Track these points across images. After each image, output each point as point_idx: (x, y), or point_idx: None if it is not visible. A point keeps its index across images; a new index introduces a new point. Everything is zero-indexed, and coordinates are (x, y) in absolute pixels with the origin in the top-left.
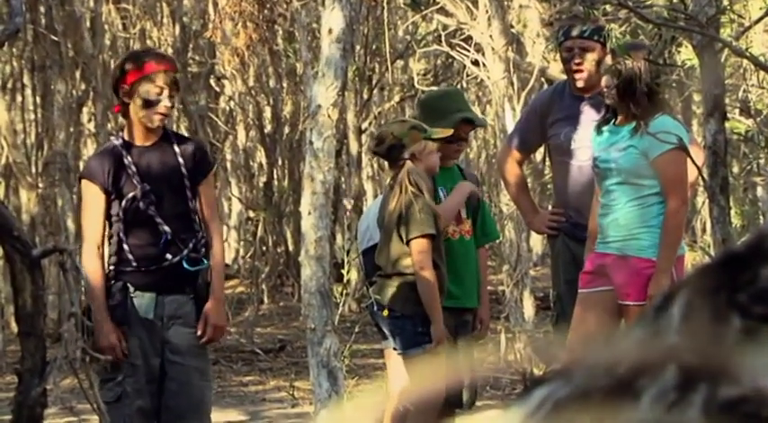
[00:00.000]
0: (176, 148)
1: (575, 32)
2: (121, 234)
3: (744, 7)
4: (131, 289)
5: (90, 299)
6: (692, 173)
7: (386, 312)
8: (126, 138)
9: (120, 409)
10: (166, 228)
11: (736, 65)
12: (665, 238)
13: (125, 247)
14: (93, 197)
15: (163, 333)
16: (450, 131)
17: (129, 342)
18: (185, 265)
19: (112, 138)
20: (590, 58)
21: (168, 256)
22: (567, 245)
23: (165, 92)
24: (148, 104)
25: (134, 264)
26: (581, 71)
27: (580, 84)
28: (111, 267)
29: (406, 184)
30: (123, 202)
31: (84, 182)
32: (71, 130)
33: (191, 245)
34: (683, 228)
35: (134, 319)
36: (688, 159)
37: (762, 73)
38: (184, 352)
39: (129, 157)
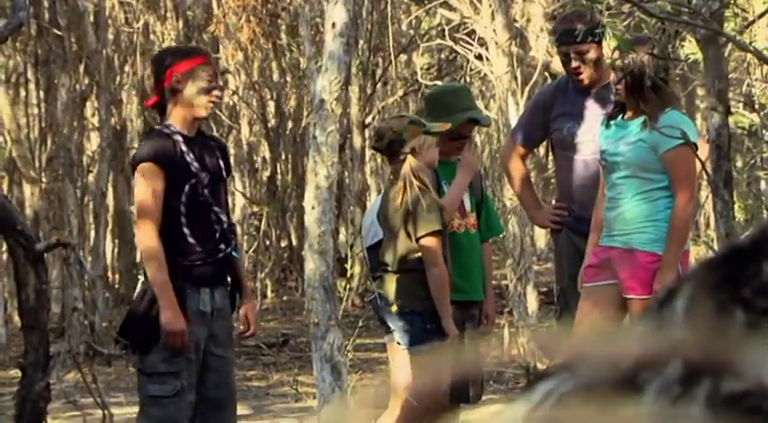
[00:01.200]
0: (211, 142)
1: (568, 37)
2: (184, 225)
3: (747, 1)
4: (189, 282)
5: (155, 283)
6: (701, 151)
7: (394, 308)
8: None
9: (178, 404)
10: (223, 217)
11: (739, 59)
12: (672, 233)
13: (189, 238)
14: (155, 180)
15: (211, 326)
16: (447, 126)
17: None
18: (234, 255)
19: (159, 127)
20: (587, 60)
21: (222, 246)
22: (571, 239)
23: (214, 81)
24: (203, 91)
25: (194, 255)
26: (580, 73)
27: (582, 83)
28: (169, 258)
29: (411, 180)
30: (186, 190)
31: (146, 165)
32: (74, 124)
33: (233, 235)
34: (690, 223)
35: (191, 313)
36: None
37: (765, 67)
38: (225, 345)
39: (184, 146)
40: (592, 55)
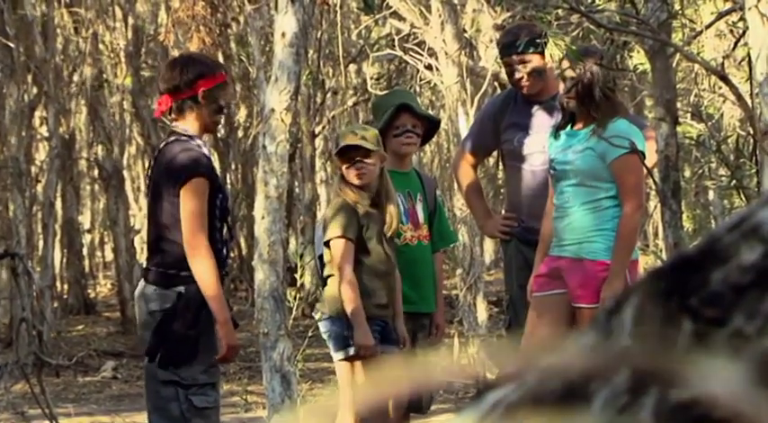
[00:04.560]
0: None
1: (511, 48)
2: (219, 241)
3: (695, 12)
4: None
5: (211, 298)
6: (649, 160)
7: (318, 315)
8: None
9: (217, 414)
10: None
11: (687, 69)
12: (619, 242)
13: (224, 249)
14: (204, 193)
15: None
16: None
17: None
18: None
19: (185, 135)
20: (529, 69)
21: (228, 260)
22: (520, 249)
23: (232, 100)
24: (220, 110)
25: (222, 269)
26: (524, 84)
27: (527, 93)
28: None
29: (336, 189)
30: (218, 203)
31: (199, 179)
32: (23, 134)
33: None
34: (637, 232)
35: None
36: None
37: (713, 78)
38: None
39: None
40: (535, 65)
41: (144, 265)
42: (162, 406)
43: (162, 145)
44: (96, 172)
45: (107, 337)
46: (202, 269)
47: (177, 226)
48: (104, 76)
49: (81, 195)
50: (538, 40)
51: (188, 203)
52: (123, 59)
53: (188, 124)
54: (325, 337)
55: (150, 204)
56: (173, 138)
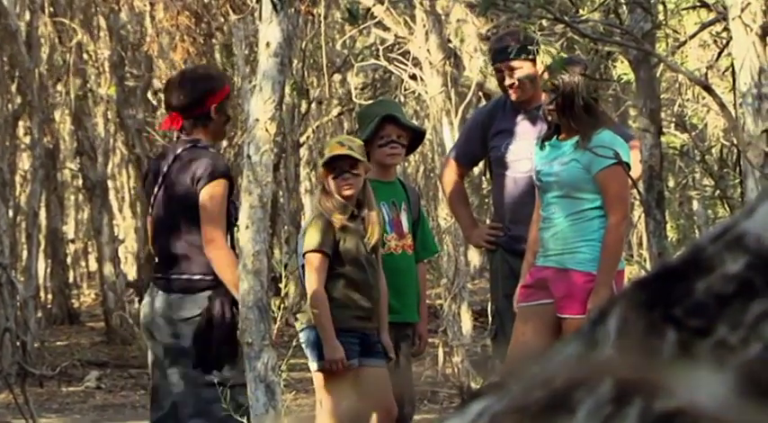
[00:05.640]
0: None
1: (502, 55)
2: (230, 242)
3: (679, 22)
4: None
5: (233, 285)
6: (634, 172)
7: (298, 324)
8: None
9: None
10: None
11: (671, 79)
12: (605, 253)
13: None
14: (224, 196)
15: None
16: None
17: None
18: None
19: (202, 143)
20: (520, 76)
21: None
22: (506, 259)
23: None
24: (227, 122)
25: None
26: (514, 91)
27: (518, 101)
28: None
29: (316, 200)
30: (231, 209)
31: (221, 180)
32: (7, 143)
33: None
34: (623, 243)
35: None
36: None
37: (697, 88)
38: None
39: None
40: (526, 71)
41: (158, 276)
42: (205, 409)
43: (179, 151)
44: (80, 182)
45: (91, 347)
46: (222, 259)
47: (199, 231)
48: (88, 85)
49: (65, 205)
50: (530, 47)
51: (208, 204)
52: (107, 69)
53: (200, 136)
54: (303, 346)
55: (164, 213)
56: (189, 145)
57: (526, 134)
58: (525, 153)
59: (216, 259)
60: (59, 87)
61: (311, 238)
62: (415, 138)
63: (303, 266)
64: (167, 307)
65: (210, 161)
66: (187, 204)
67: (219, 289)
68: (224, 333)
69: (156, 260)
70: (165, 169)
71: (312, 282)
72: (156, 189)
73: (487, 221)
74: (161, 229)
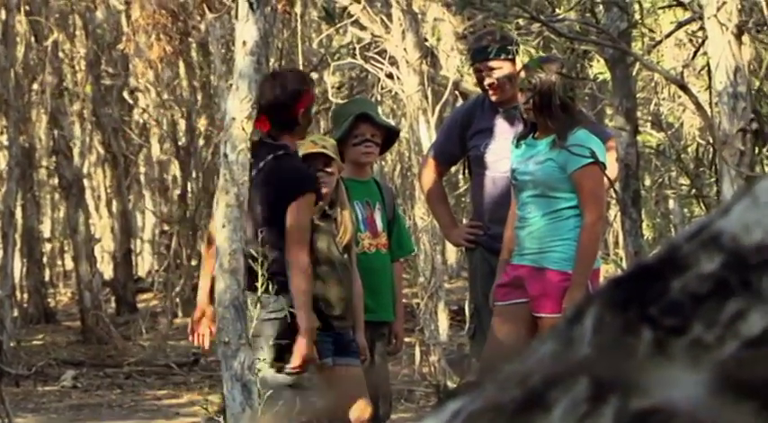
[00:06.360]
0: None
1: (481, 54)
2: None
3: (655, 21)
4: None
5: (300, 308)
6: (611, 171)
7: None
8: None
9: None
10: None
11: (647, 78)
12: (580, 252)
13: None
14: (311, 209)
15: None
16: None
17: None
18: None
19: (288, 150)
20: (500, 76)
21: None
22: (486, 257)
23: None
24: (311, 122)
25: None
26: (494, 90)
27: (497, 100)
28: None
29: None
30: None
31: (309, 195)
32: None
33: None
34: (599, 242)
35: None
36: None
37: (673, 86)
38: None
39: None
40: (505, 71)
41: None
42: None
43: (269, 158)
44: (56, 180)
45: (67, 347)
46: (297, 281)
47: (283, 235)
48: (65, 84)
49: (41, 204)
50: (509, 47)
51: (295, 217)
52: (84, 68)
53: (287, 140)
54: None
55: (250, 216)
56: (281, 152)
57: (505, 134)
58: (504, 152)
59: (293, 280)
60: (35, 86)
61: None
62: (389, 136)
63: None
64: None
65: (301, 174)
66: (274, 212)
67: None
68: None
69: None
70: (253, 173)
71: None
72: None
73: (464, 220)
74: (250, 229)
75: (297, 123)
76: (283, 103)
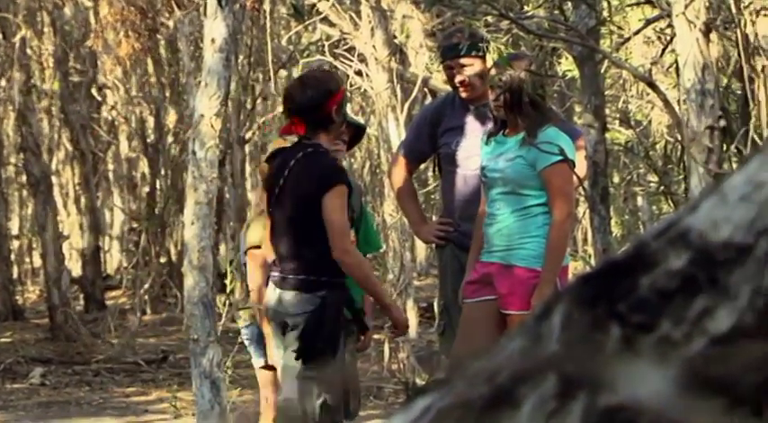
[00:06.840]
0: None
1: (452, 52)
2: None
3: (623, 19)
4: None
5: (373, 290)
6: (580, 169)
7: (240, 321)
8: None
9: None
10: None
11: (616, 76)
12: (549, 249)
13: None
14: (346, 200)
15: None
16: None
17: None
18: None
19: (323, 149)
20: (470, 74)
21: None
22: (456, 254)
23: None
24: (344, 121)
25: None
26: (464, 88)
27: (467, 98)
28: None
29: (258, 196)
30: (348, 213)
31: (342, 187)
32: None
33: None
34: (568, 239)
35: None
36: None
37: (641, 84)
38: None
39: None
40: (476, 69)
41: (275, 273)
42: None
43: (300, 155)
44: (24, 177)
45: (35, 344)
46: (359, 268)
47: (317, 233)
48: (32, 81)
49: (9, 201)
50: (480, 44)
51: (334, 208)
52: (51, 65)
53: (323, 139)
54: (246, 343)
55: (283, 215)
56: (311, 149)
57: (476, 131)
58: (475, 150)
59: (351, 269)
60: (3, 83)
61: (254, 234)
62: (356, 133)
63: (245, 264)
64: (280, 303)
65: (332, 166)
66: (307, 207)
67: (333, 291)
68: (331, 332)
69: (275, 258)
70: (286, 173)
71: (255, 278)
72: (276, 190)
73: (434, 217)
74: (280, 229)
75: (331, 122)
76: (317, 104)
